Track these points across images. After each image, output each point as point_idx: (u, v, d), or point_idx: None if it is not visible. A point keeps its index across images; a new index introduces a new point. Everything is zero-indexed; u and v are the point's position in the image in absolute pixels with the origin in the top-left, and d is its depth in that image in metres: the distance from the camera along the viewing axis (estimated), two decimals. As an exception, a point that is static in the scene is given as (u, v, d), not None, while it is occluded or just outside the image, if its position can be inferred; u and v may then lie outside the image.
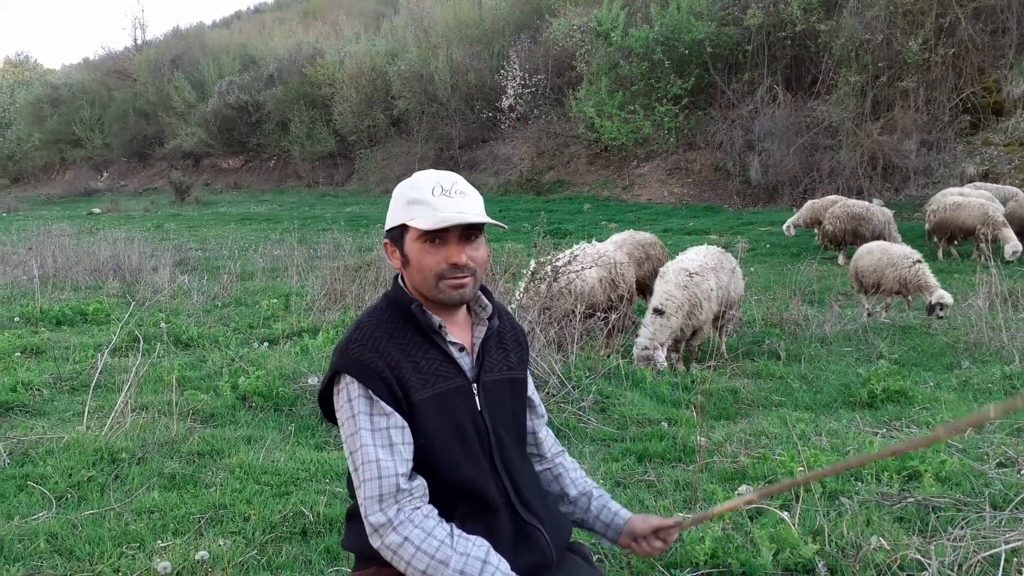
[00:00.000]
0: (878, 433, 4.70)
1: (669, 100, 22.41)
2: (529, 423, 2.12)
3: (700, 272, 6.77)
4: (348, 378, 1.82)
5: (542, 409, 2.19)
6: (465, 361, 1.93)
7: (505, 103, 26.57)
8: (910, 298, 8.76)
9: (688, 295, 6.58)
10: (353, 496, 1.87)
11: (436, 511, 1.80)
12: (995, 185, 15.05)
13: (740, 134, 21.26)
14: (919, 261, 8.36)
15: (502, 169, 26.40)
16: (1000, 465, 4.04)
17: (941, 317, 7.85)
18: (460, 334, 1.95)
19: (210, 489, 3.95)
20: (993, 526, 3.26)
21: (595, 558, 2.91)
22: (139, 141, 38.59)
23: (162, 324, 7.84)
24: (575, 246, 7.49)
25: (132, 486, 3.99)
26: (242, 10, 56.60)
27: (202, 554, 3.20)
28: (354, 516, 1.91)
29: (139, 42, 44.19)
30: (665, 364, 6.37)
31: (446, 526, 1.78)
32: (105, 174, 39.87)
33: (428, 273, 1.85)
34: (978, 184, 15.10)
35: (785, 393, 5.90)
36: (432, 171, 1.92)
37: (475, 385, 1.91)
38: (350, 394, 1.81)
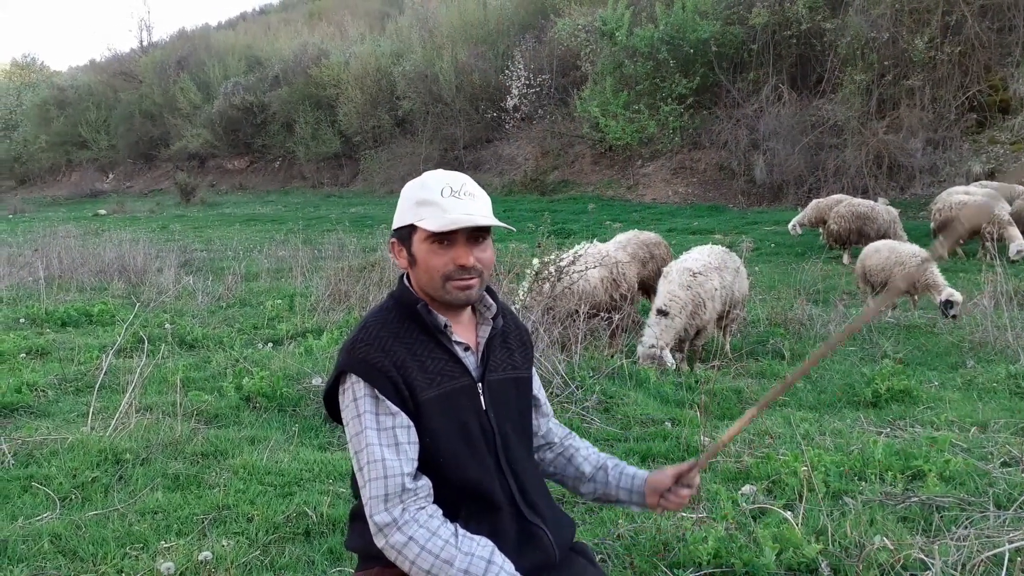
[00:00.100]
0: (882, 432, 4.68)
1: (674, 99, 22.38)
2: (537, 421, 2.13)
3: (704, 272, 6.76)
4: (354, 377, 1.82)
5: (548, 408, 2.19)
6: (470, 361, 1.93)
7: (510, 103, 26.57)
8: (916, 297, 8.73)
9: (692, 295, 6.57)
10: (357, 496, 1.87)
11: (441, 511, 1.81)
12: (1001, 183, 14.97)
13: (745, 133, 21.22)
14: (927, 260, 8.32)
15: (506, 169, 26.40)
16: (1004, 465, 4.03)
17: (955, 316, 7.81)
18: (465, 334, 1.96)
19: (214, 490, 3.96)
20: (997, 526, 3.25)
21: (598, 558, 2.91)
22: (145, 142, 38.69)
23: (167, 325, 7.87)
24: (577, 246, 7.49)
25: (136, 487, 4.00)
26: (247, 11, 56.81)
27: (205, 555, 3.21)
28: (358, 516, 1.91)
29: (145, 44, 44.28)
30: (673, 363, 6.37)
31: (451, 526, 1.78)
32: (111, 175, 39.99)
33: (435, 274, 1.85)
34: (984, 183, 15.03)
35: (789, 393, 5.88)
36: (441, 171, 1.92)
37: (480, 385, 1.91)
38: (356, 393, 1.81)
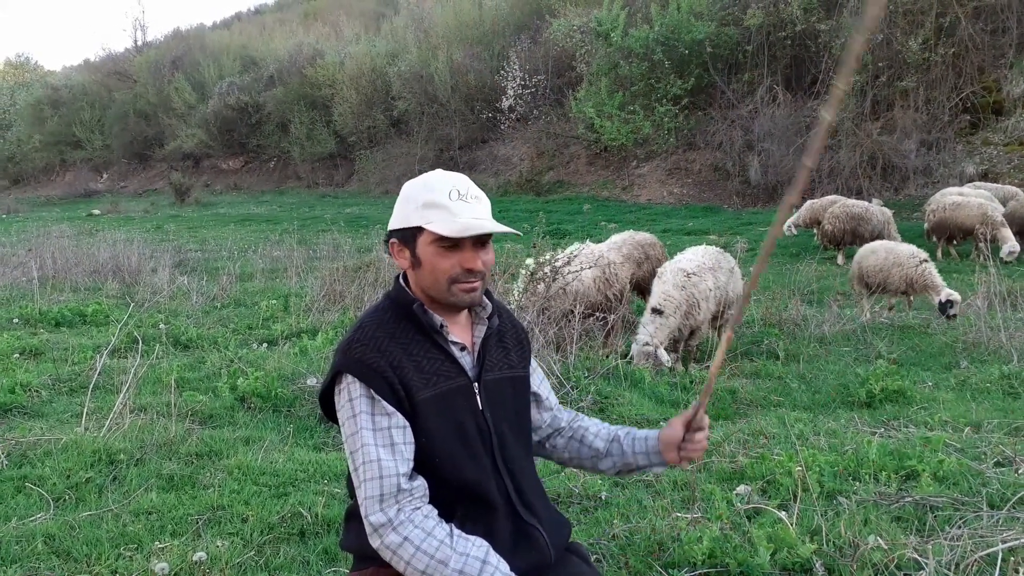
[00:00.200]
0: (876, 433, 4.70)
1: (669, 100, 22.40)
2: (540, 416, 2.14)
3: (698, 272, 6.77)
4: (350, 378, 1.82)
5: (552, 400, 2.19)
6: (466, 360, 1.94)
7: (505, 104, 26.58)
8: (911, 298, 8.74)
9: (686, 295, 6.58)
10: (352, 496, 1.87)
11: (436, 511, 1.81)
12: (995, 185, 15.04)
13: (740, 134, 21.25)
14: (925, 260, 8.34)
15: (502, 170, 26.40)
16: (998, 464, 4.04)
17: (954, 315, 7.82)
18: (461, 333, 1.96)
19: (208, 490, 3.95)
20: (990, 525, 3.26)
21: (593, 558, 2.92)
22: (139, 142, 38.60)
23: (161, 325, 7.85)
24: (570, 247, 7.50)
25: (130, 487, 3.99)
26: (242, 11, 56.69)
27: (200, 555, 3.21)
28: (353, 516, 1.92)
29: (139, 43, 44.19)
30: (669, 361, 6.37)
31: (446, 526, 1.79)
32: (105, 175, 39.89)
33: (442, 276, 1.86)
34: (978, 184, 15.09)
35: (783, 393, 5.90)
36: (443, 173, 1.92)
37: (476, 384, 1.92)
38: (351, 394, 1.82)
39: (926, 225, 13.19)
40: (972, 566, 2.89)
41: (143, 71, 39.45)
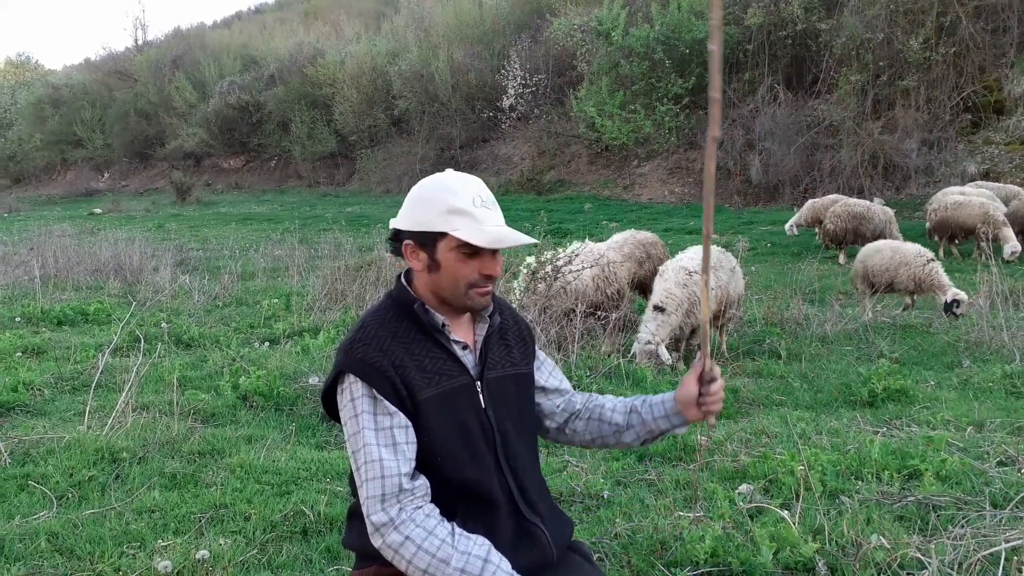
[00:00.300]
0: (879, 432, 4.70)
1: (670, 99, 22.39)
2: (552, 402, 2.15)
3: (699, 271, 6.77)
4: (352, 377, 1.82)
5: (564, 385, 2.21)
6: (468, 359, 1.94)
7: (506, 103, 26.55)
8: (916, 297, 8.71)
9: (687, 293, 6.58)
10: (355, 495, 1.87)
11: (438, 511, 1.81)
12: (997, 184, 15.03)
13: (741, 133, 21.24)
14: (932, 259, 8.31)
15: (503, 169, 26.39)
16: (1000, 464, 4.04)
17: (960, 315, 7.80)
18: (463, 332, 1.96)
19: (211, 488, 3.95)
20: (993, 525, 3.26)
21: (595, 557, 2.92)
22: (140, 141, 38.57)
23: (163, 324, 7.85)
24: (571, 246, 7.49)
25: (133, 486, 4.00)
26: (243, 10, 56.57)
27: (203, 553, 3.21)
28: (355, 515, 1.92)
29: (140, 42, 44.12)
30: (670, 359, 6.37)
31: (447, 525, 1.78)
32: (106, 174, 39.87)
33: (461, 281, 1.86)
34: (980, 183, 15.08)
35: (786, 392, 5.90)
36: (458, 175, 1.91)
37: (479, 383, 1.92)
38: (353, 393, 1.82)
39: (928, 224, 13.18)
40: (975, 565, 2.89)
41: (144, 70, 39.41)
